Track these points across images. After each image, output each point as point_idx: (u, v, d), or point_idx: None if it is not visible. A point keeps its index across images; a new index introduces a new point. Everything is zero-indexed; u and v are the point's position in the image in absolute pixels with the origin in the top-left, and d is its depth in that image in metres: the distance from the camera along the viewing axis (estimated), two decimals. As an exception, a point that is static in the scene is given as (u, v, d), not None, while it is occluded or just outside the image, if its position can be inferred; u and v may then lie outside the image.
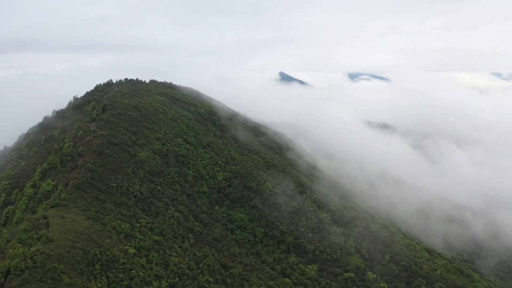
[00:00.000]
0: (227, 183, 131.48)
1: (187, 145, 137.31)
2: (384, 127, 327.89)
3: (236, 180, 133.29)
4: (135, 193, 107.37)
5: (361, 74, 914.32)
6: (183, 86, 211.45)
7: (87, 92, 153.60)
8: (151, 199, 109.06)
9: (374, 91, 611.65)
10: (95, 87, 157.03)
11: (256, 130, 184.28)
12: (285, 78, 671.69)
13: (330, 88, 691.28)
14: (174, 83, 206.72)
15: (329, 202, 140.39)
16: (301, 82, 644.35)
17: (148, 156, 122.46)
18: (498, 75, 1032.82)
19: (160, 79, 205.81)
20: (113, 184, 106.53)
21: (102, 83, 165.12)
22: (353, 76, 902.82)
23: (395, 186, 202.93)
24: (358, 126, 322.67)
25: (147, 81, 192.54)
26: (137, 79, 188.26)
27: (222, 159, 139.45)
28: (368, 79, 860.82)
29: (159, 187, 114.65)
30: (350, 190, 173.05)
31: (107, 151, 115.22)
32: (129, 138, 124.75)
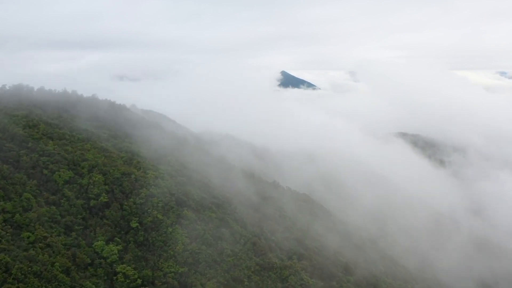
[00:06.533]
0: None
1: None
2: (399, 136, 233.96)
3: None
4: None
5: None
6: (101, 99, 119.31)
7: None
8: None
9: (376, 92, 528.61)
10: None
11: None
12: (287, 78, 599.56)
13: (332, 88, 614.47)
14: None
15: None
16: (304, 82, 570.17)
17: None
18: (503, 73, 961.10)
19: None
20: None
21: None
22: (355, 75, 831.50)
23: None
24: (365, 138, 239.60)
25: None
26: (20, 84, 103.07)
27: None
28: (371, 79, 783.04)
29: None
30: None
31: None
32: None
